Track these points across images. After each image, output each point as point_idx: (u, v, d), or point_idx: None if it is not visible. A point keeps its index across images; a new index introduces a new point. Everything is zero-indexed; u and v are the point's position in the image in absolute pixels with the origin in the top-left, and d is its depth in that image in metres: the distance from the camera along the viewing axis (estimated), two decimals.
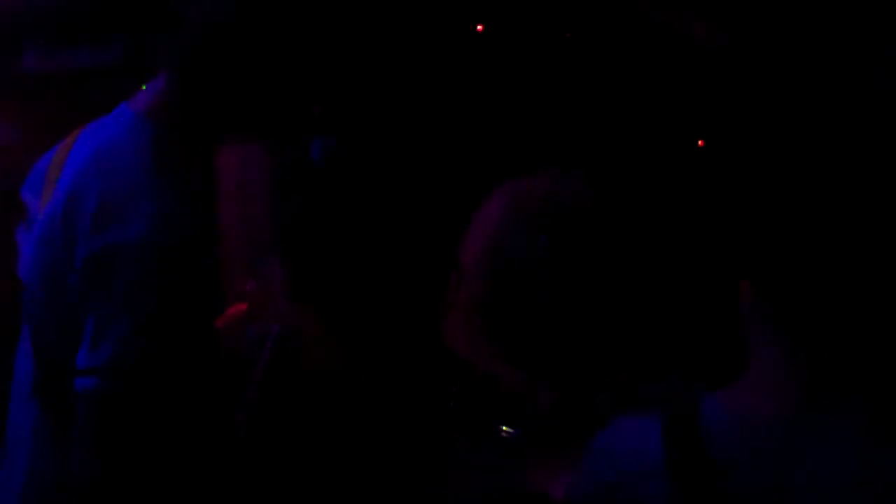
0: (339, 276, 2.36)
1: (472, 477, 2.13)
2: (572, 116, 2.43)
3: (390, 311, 2.34)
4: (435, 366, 2.25)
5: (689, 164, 2.32)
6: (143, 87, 2.02)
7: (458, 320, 2.27)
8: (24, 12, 2.70)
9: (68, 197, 1.90)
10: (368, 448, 2.23)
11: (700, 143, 2.26)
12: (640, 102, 2.37)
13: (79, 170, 1.93)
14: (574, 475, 1.62)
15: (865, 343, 1.46)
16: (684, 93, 2.28)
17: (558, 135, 2.42)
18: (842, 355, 1.46)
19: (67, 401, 1.87)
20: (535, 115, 2.45)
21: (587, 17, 2.43)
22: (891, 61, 2.10)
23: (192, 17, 1.94)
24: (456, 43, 2.44)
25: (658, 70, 2.33)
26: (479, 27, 2.43)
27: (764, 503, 1.47)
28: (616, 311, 2.24)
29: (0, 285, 2.06)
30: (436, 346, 2.24)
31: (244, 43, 1.94)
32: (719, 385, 1.51)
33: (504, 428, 2.12)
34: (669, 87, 2.32)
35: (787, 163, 1.56)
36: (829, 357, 1.46)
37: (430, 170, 2.42)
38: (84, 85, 2.64)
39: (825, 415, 1.46)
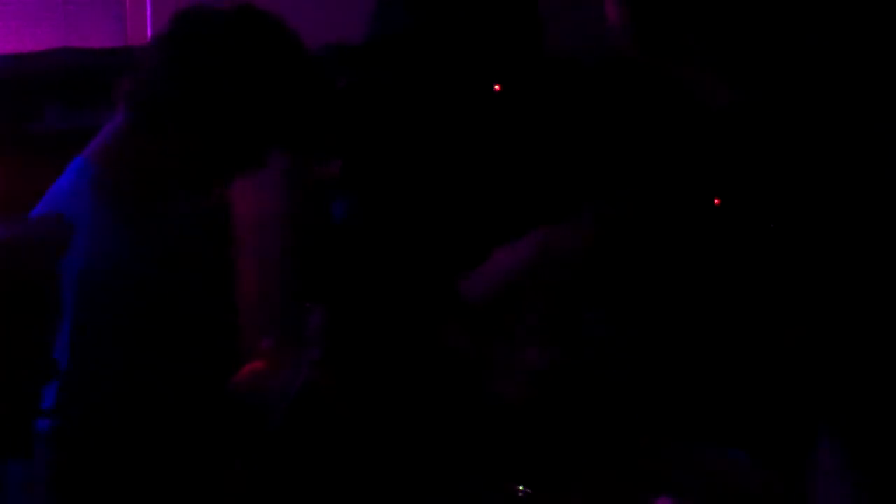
0: (372, 330, 2.37)
1: None
2: (589, 170, 2.43)
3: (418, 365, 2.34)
4: (455, 424, 2.24)
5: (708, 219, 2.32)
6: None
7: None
8: (44, 72, 2.73)
9: None
10: None
11: (716, 201, 2.25)
12: (656, 159, 2.37)
13: None
14: None
15: None
16: (700, 151, 2.28)
17: (575, 189, 2.42)
18: None
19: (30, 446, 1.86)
20: (551, 171, 2.45)
21: (602, 75, 2.44)
22: None
23: (150, 59, 1.95)
24: (473, 101, 2.44)
25: (673, 128, 2.33)
26: (497, 87, 2.44)
27: None
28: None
29: None
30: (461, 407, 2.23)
31: (198, 87, 1.93)
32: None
33: (520, 487, 2.11)
34: (684, 145, 2.32)
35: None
36: None
37: (455, 224, 2.42)
38: None
39: None
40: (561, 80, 2.49)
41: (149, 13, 3.30)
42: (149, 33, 3.29)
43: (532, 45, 2.44)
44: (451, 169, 2.42)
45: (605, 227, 2.19)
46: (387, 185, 2.44)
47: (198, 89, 1.93)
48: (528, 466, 2.11)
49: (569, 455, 2.11)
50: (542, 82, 2.47)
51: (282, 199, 2.70)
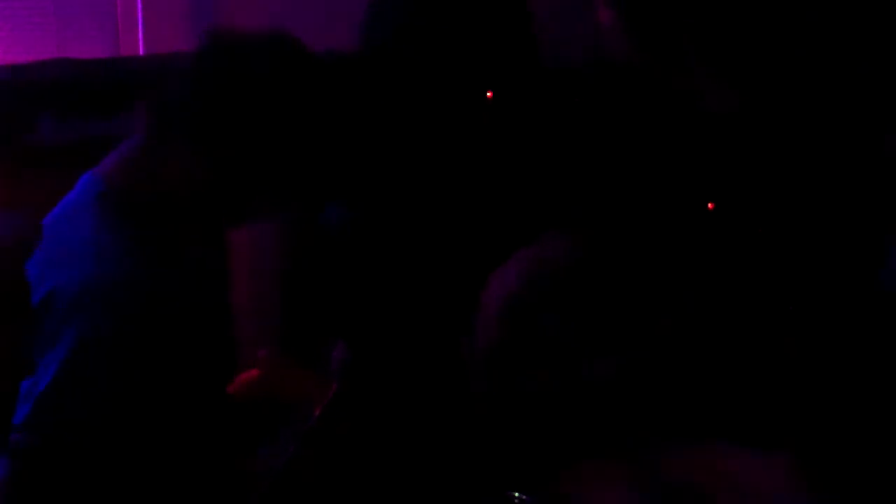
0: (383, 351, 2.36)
1: None
2: (583, 180, 2.43)
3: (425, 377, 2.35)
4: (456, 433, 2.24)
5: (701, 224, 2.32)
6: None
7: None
8: (37, 84, 2.73)
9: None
10: None
11: (710, 205, 2.26)
12: (651, 165, 2.38)
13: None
14: None
15: None
16: (694, 156, 2.29)
17: (569, 199, 2.42)
18: None
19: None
20: (547, 179, 2.46)
21: (596, 83, 2.44)
22: None
23: (177, 78, 1.95)
24: (466, 109, 2.45)
25: (668, 133, 2.34)
26: (489, 93, 2.44)
27: None
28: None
29: None
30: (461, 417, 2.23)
31: (214, 112, 1.93)
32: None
33: (517, 494, 2.10)
34: (679, 150, 2.32)
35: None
36: None
37: (446, 234, 2.42)
38: (99, 155, 2.66)
39: None
40: (555, 88, 2.50)
41: (140, 24, 3.30)
42: (140, 44, 3.29)
43: (526, 54, 2.44)
44: (445, 177, 2.43)
45: (600, 236, 2.19)
46: (380, 194, 2.44)
47: (226, 111, 1.93)
48: (526, 472, 2.10)
49: (566, 456, 2.11)
50: (537, 91, 2.47)
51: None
